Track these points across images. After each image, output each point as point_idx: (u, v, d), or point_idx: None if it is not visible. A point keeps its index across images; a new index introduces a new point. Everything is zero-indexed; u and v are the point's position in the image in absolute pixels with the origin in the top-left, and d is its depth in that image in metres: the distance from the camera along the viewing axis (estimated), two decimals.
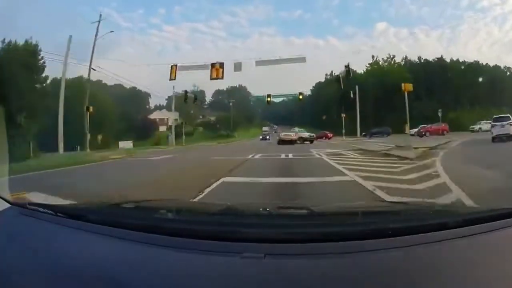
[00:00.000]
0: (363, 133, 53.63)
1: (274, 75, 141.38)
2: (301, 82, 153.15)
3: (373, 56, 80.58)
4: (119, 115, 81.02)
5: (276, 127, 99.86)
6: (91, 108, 32.15)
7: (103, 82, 71.51)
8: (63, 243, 1.43)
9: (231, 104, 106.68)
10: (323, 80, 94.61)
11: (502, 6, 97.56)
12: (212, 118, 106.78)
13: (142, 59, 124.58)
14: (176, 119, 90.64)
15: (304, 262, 1.17)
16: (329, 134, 56.26)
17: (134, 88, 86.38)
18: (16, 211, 1.72)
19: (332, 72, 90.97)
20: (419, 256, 1.20)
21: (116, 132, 70.97)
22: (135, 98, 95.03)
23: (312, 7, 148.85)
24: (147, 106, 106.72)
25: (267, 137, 59.19)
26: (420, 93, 70.64)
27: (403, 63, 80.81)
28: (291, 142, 36.07)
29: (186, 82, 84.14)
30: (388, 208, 2.25)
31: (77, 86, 46.79)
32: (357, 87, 53.43)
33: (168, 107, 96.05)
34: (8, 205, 1.76)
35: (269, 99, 43.24)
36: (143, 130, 78.36)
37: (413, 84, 63.95)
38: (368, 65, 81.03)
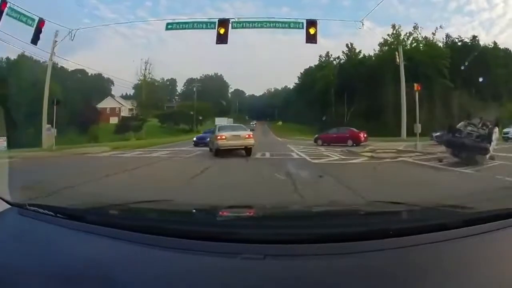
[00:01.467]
0: (435, 134, 25.65)
1: (254, 65, 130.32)
2: (283, 76, 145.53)
3: (393, 26, 58.53)
4: (69, 104, 63.71)
5: (255, 122, 77.78)
6: None
7: (59, 65, 59.73)
8: (62, 244, 1.45)
9: (195, 89, 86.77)
10: (316, 63, 73.43)
11: (490, 11, 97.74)
12: (174, 108, 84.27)
13: (127, 51, 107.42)
14: (131, 109, 72.67)
15: (304, 263, 1.18)
16: (361, 134, 29.07)
17: (100, 74, 75.84)
18: (16, 212, 1.73)
19: (328, 53, 70.87)
20: (419, 256, 1.21)
21: (60, 123, 53.49)
22: (99, 86, 79.44)
23: (299, 5, 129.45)
24: (112, 95, 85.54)
25: (206, 139, 24.90)
26: (455, 81, 50.73)
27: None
28: (247, 151, 18.77)
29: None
30: (388, 209, 2.30)
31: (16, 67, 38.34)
32: (400, 47, 32.51)
33: (136, 97, 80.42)
34: (8, 205, 1.78)
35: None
36: (86, 122, 62.07)
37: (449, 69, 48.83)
38: (387, 37, 58.90)
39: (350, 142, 27.05)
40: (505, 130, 26.79)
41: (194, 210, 2.26)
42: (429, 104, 48.05)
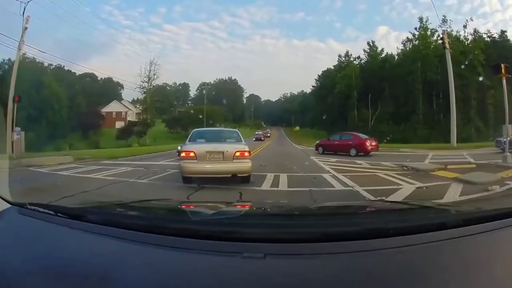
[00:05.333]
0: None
1: (270, 70, 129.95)
2: (300, 80, 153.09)
3: (420, 18, 52.96)
4: (75, 108, 64.23)
5: (269, 131, 71.34)
6: None
7: (66, 69, 61.89)
8: (63, 243, 1.44)
9: (204, 92, 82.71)
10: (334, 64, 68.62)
11: (503, 12, 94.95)
12: (183, 112, 79.73)
13: (142, 58, 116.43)
14: (139, 113, 69.13)
15: (304, 262, 1.19)
16: (367, 142, 22.43)
17: (110, 78, 75.23)
18: (16, 211, 1.73)
19: (348, 52, 66.06)
20: (419, 256, 1.21)
21: (63, 128, 55.37)
22: (108, 91, 78.04)
23: (314, 10, 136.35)
24: (122, 99, 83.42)
25: None
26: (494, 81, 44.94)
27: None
28: (242, 178, 10.15)
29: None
30: (388, 208, 2.24)
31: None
32: (445, 32, 29.38)
33: (141, 101, 75.91)
34: (8, 205, 1.79)
35: None
36: (90, 127, 59.00)
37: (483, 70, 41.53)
38: (415, 30, 53.55)
39: (353, 152, 21.65)
40: (498, 138, 20.37)
41: (194, 209, 2.22)
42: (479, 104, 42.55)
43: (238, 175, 9.72)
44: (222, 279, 1.09)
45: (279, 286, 1.07)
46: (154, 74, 62.15)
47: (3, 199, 1.80)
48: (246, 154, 9.79)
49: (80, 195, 7.20)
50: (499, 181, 9.58)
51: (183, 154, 9.76)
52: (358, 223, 1.58)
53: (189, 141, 10.70)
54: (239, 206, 2.40)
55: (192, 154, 9.55)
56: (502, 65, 15.86)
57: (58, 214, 1.62)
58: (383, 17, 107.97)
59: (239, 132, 11.78)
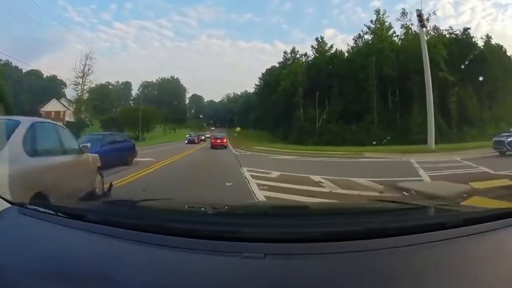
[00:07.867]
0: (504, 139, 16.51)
1: (214, 70, 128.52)
2: (244, 81, 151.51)
3: (377, 11, 50.30)
4: (20, 106, 58.11)
5: (207, 133, 63.34)
6: None
7: (13, 64, 59.98)
8: (63, 243, 1.44)
9: (138, 91, 78.15)
10: (279, 61, 65.58)
11: (457, 18, 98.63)
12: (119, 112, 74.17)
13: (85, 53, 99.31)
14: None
15: (304, 262, 1.19)
16: (213, 140, 35.66)
17: (54, 76, 70.69)
18: (16, 211, 1.71)
19: (294, 48, 62.32)
20: (419, 255, 1.21)
21: None
22: (51, 89, 73.16)
23: (263, 11, 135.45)
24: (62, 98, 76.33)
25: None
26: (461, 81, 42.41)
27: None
28: None
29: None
30: (388, 208, 2.20)
31: None
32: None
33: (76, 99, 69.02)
34: (8, 205, 1.77)
35: None
36: None
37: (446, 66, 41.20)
38: (370, 23, 50.62)
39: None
40: (497, 138, 17.47)
41: (194, 209, 2.19)
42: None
43: None
44: (222, 279, 1.08)
45: (279, 286, 1.06)
46: (89, 69, 55.03)
47: (3, 199, 1.77)
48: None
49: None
50: None
51: None
52: (358, 223, 1.53)
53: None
54: (239, 206, 2.29)
55: None
56: None
57: (58, 214, 1.60)
58: (331, 20, 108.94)
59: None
